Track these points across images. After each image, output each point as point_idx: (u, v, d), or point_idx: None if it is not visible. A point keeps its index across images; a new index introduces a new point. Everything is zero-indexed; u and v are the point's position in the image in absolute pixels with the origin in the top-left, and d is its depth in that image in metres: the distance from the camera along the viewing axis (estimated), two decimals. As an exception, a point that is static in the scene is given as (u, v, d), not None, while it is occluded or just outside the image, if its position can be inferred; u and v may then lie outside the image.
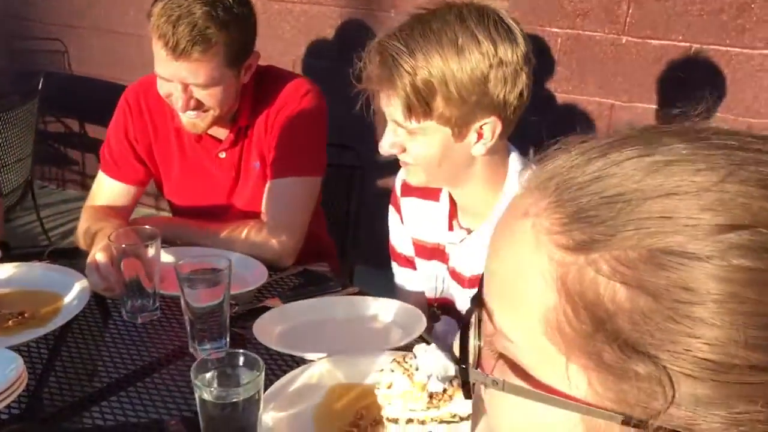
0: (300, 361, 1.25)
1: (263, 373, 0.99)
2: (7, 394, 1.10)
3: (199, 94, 1.58)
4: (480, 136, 1.22)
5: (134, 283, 1.40)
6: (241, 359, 1.02)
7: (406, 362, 1.06)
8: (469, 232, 1.37)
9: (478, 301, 0.56)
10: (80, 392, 1.21)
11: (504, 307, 0.52)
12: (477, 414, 0.65)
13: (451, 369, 1.05)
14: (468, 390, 0.55)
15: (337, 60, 3.10)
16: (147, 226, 1.45)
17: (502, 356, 0.53)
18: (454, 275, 1.43)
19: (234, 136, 1.72)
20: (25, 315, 1.38)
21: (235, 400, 0.96)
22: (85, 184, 4.40)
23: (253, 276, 1.54)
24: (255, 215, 1.73)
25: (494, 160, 1.28)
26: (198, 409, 0.99)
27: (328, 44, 3.26)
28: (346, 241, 2.16)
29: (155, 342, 1.37)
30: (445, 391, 1.05)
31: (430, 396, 1.05)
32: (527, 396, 0.51)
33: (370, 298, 1.47)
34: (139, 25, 3.82)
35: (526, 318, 0.50)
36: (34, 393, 1.19)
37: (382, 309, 1.44)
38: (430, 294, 1.52)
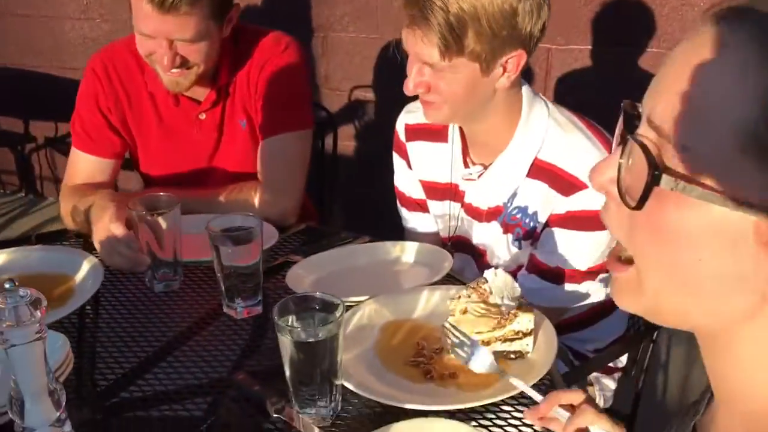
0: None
1: (344, 312, 0.99)
2: (59, 373, 1.05)
3: (185, 50, 1.53)
4: (505, 69, 1.25)
5: (154, 253, 1.36)
6: (320, 301, 1.02)
7: (480, 287, 1.10)
8: (485, 167, 1.41)
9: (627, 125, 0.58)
10: (126, 365, 1.17)
11: (687, 121, 0.53)
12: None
13: (518, 290, 1.10)
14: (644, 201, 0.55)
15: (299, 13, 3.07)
16: (162, 193, 1.40)
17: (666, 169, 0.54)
18: (470, 211, 1.47)
19: (215, 95, 1.68)
20: (40, 298, 1.31)
21: (322, 337, 0.97)
22: (0, 180, 4.14)
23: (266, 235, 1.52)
24: (241, 178, 1.70)
25: (512, 93, 1.33)
26: (282, 353, 0.99)
27: None
28: (323, 203, 2.16)
29: (185, 308, 1.33)
30: (510, 312, 1.10)
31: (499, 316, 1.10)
32: (710, 199, 0.52)
33: (389, 243, 1.49)
34: (49, 5, 3.62)
35: (714, 130, 0.52)
36: (78, 372, 1.14)
37: (404, 252, 1.46)
38: (443, 234, 1.56)
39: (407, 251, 1.46)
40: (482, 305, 1.09)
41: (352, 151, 3.29)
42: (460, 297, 1.11)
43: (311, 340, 0.97)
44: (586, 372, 1.46)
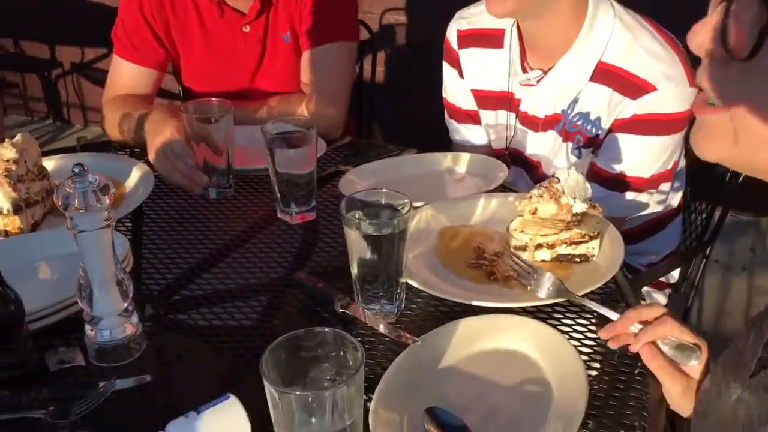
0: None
1: (411, 208, 0.98)
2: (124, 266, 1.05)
3: None
4: None
5: (207, 160, 1.35)
6: (386, 197, 1.00)
7: (553, 186, 1.07)
8: (544, 72, 1.37)
9: None
10: (184, 266, 1.17)
11: None
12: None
13: (589, 190, 1.07)
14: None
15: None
16: (214, 99, 1.37)
17: None
18: (526, 120, 1.43)
19: (260, 5, 1.63)
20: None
21: (390, 232, 0.95)
22: (28, 107, 4.13)
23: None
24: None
25: None
26: (349, 249, 0.98)
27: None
28: (362, 124, 2.12)
29: (239, 214, 1.33)
30: (580, 213, 1.07)
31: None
32: None
33: (439, 154, 1.46)
34: None
35: None
36: (136, 272, 1.14)
37: (456, 162, 1.44)
38: (496, 145, 1.53)
39: (460, 161, 1.44)
40: (553, 205, 1.06)
41: (384, 74, 3.23)
42: (531, 197, 1.08)
43: (379, 233, 0.96)
44: (639, 286, 1.45)
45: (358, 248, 0.97)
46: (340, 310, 1.00)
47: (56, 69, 3.96)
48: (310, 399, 0.68)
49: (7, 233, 1.20)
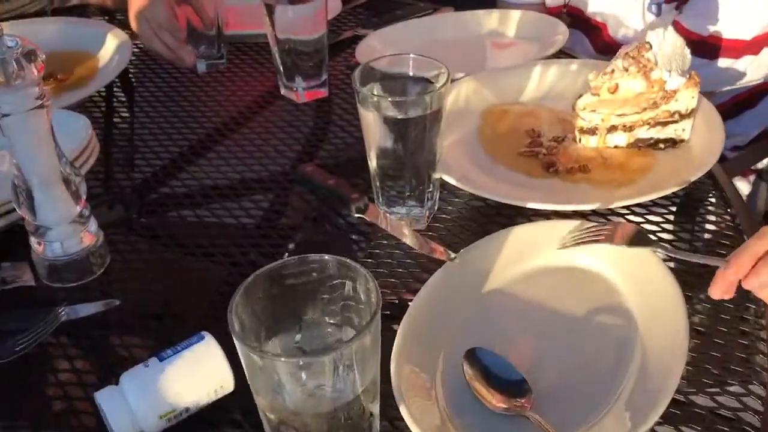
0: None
1: (448, 80, 0.72)
2: (81, 162, 0.83)
3: None
4: None
5: (192, 25, 1.09)
6: (415, 65, 0.75)
7: (643, 56, 0.81)
8: None
9: None
10: (166, 156, 0.95)
11: None
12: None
13: (689, 58, 0.80)
14: None
15: None
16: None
17: None
18: None
19: None
20: (59, 77, 1.08)
21: (419, 113, 0.71)
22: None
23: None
24: None
25: None
26: (365, 135, 0.74)
27: None
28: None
29: (234, 91, 1.08)
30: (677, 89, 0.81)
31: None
32: None
33: (481, 12, 1.18)
34: None
35: None
36: (106, 163, 0.93)
37: (502, 22, 1.16)
38: (551, 3, 1.23)
39: (507, 21, 1.15)
40: (642, 81, 0.80)
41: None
42: (613, 71, 0.82)
43: (405, 116, 0.72)
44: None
45: (377, 135, 0.73)
46: (356, 215, 0.78)
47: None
48: (301, 364, 0.47)
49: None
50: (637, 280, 0.66)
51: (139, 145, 0.97)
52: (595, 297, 0.67)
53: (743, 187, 1.32)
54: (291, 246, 0.78)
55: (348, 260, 0.50)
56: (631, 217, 0.78)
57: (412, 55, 0.75)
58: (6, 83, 0.63)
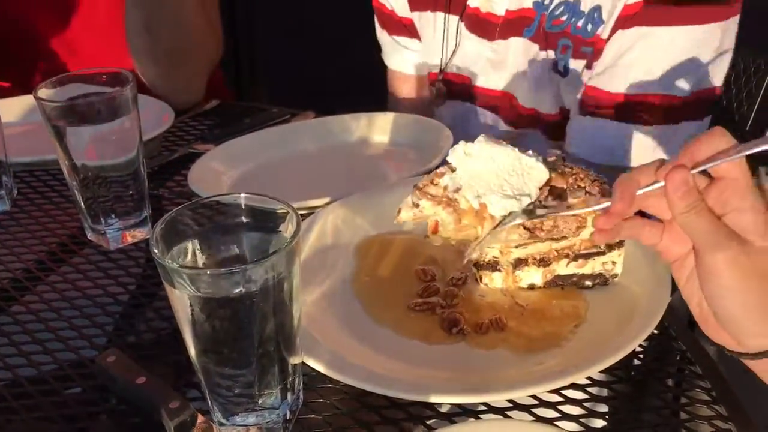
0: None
1: (299, 227, 0.49)
2: None
3: None
4: None
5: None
6: (247, 210, 0.51)
7: (433, 186, 0.62)
8: None
9: None
10: None
11: None
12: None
13: (543, 170, 0.61)
14: None
15: None
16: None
17: None
18: (476, 23, 0.93)
19: None
20: None
21: (260, 284, 0.46)
22: None
23: (152, 119, 0.97)
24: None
25: None
26: (180, 319, 0.48)
27: None
28: (240, 75, 1.58)
29: (24, 239, 0.80)
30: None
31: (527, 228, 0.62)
32: None
33: (348, 117, 0.97)
34: None
35: None
36: None
37: (375, 127, 0.95)
38: (432, 67, 1.03)
39: (379, 126, 0.95)
40: (448, 216, 0.62)
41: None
42: (419, 206, 0.63)
43: (240, 290, 0.47)
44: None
45: (195, 319, 0.48)
46: (176, 437, 0.51)
47: None
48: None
49: None
50: None
51: None
52: None
53: None
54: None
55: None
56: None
57: (243, 195, 0.51)
58: None
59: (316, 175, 0.88)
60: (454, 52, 0.98)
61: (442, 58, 0.99)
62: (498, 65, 0.94)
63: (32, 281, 0.73)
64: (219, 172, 0.85)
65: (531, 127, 0.95)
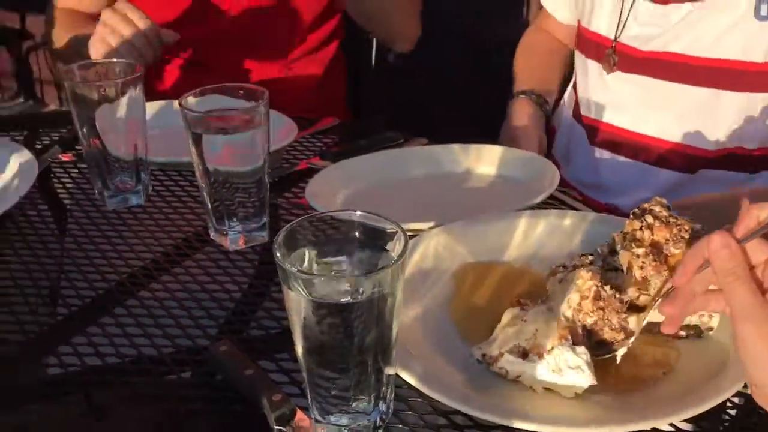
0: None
1: (406, 246, 0.53)
2: None
3: None
4: None
5: (104, 147, 0.90)
6: (360, 227, 0.55)
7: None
8: None
9: None
10: (42, 319, 0.73)
11: None
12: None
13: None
14: None
15: None
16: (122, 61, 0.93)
17: None
18: None
19: None
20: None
21: (367, 295, 0.51)
22: (-2, 83, 3.71)
23: (278, 132, 1.05)
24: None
25: None
26: (291, 320, 0.53)
27: None
28: (359, 97, 1.65)
29: (153, 233, 0.88)
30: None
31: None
32: None
33: (457, 147, 1.01)
34: None
35: None
36: None
37: (484, 159, 0.99)
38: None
39: (487, 159, 0.98)
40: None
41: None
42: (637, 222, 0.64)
43: (347, 299, 0.51)
44: None
45: (306, 321, 0.53)
46: (276, 427, 0.56)
47: (27, 41, 3.54)
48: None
49: None
50: None
51: (14, 295, 0.75)
52: None
53: None
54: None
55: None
56: None
57: (358, 213, 0.56)
58: None
59: (422, 200, 0.92)
60: (625, 23, 1.00)
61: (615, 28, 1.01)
62: (699, 34, 0.94)
63: (159, 271, 0.80)
64: (334, 188, 0.90)
65: None
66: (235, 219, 0.83)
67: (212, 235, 0.85)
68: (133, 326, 0.71)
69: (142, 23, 1.08)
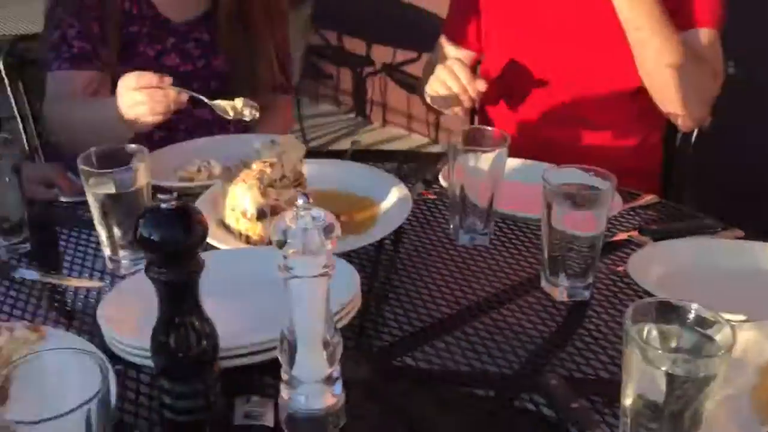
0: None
1: (733, 339, 0.66)
2: (341, 315, 0.89)
3: None
4: None
5: (464, 197, 1.13)
6: (695, 317, 0.69)
7: None
8: None
9: None
10: (417, 323, 0.97)
11: None
12: None
13: None
14: None
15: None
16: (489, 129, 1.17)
17: None
18: None
19: None
20: (341, 218, 1.18)
21: (699, 373, 0.65)
22: (337, 99, 4.34)
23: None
24: None
25: None
26: (626, 376, 0.69)
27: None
28: (670, 179, 1.71)
29: (494, 271, 1.09)
30: None
31: None
32: None
33: (770, 245, 1.07)
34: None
35: None
36: (361, 317, 0.97)
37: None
38: None
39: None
40: None
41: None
42: None
43: (674, 372, 0.66)
44: None
45: (637, 379, 0.68)
46: (594, 457, 0.72)
47: (368, 66, 4.10)
48: None
49: (248, 239, 1.12)
50: None
51: (393, 305, 1.01)
52: None
53: None
54: None
55: None
56: None
57: (695, 306, 0.70)
58: (303, 252, 0.70)
59: (733, 291, 1.00)
60: None
61: None
62: None
63: (498, 297, 1.01)
64: (653, 265, 1.03)
65: None
66: (564, 274, 1.01)
67: (543, 284, 1.04)
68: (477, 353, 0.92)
69: None
